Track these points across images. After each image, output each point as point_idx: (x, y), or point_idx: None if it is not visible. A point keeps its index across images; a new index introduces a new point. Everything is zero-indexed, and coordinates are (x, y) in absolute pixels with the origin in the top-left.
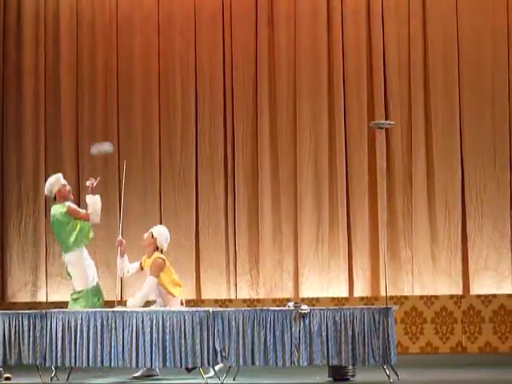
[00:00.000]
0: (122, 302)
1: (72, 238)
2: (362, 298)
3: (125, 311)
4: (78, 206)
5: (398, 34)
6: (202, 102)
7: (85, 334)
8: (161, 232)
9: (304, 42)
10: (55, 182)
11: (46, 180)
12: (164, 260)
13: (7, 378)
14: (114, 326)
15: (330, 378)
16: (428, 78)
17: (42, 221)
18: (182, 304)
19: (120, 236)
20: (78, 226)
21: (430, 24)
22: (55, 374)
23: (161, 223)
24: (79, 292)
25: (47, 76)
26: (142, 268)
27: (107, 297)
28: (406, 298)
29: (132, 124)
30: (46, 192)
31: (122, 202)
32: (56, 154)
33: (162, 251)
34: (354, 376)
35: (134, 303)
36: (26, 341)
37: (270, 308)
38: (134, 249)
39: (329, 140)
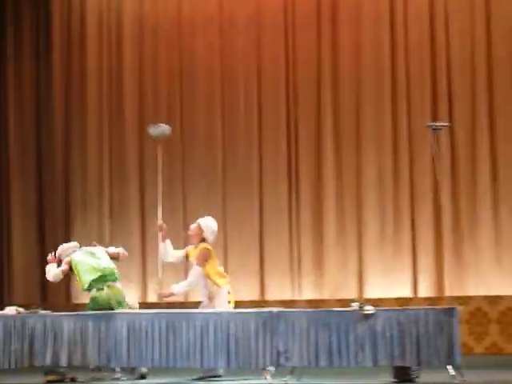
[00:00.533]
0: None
1: None
2: (426, 299)
3: (189, 312)
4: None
5: (462, 32)
6: (265, 102)
7: (149, 335)
8: (208, 225)
9: (367, 43)
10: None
11: (110, 182)
12: (210, 250)
13: (72, 379)
14: (178, 327)
15: (395, 380)
16: (492, 77)
17: (106, 223)
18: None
19: (160, 220)
20: None
21: (494, 22)
22: (120, 375)
23: (224, 224)
24: None
25: (111, 79)
26: (187, 258)
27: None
28: (470, 298)
29: (195, 126)
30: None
31: (159, 188)
32: (120, 157)
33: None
34: (418, 377)
35: (178, 290)
36: (90, 342)
37: (334, 309)
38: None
39: (392, 140)
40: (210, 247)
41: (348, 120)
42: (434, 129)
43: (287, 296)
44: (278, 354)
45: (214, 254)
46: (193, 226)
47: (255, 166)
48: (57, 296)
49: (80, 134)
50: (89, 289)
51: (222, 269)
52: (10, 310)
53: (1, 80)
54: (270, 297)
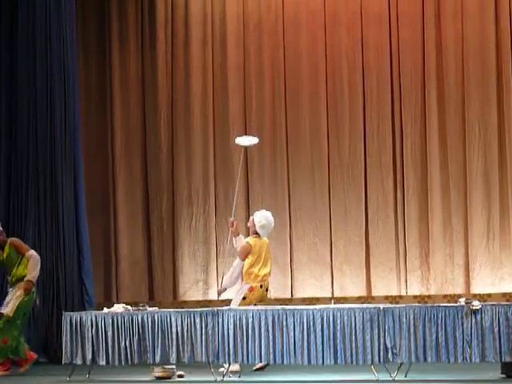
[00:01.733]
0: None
1: None
2: None
3: (296, 308)
4: None
5: None
6: (370, 98)
7: (256, 332)
8: (258, 219)
9: (471, 37)
10: None
11: (215, 179)
12: (251, 246)
13: (180, 376)
14: (284, 323)
15: (503, 375)
16: None
17: (212, 219)
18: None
19: (233, 217)
20: None
21: None
22: (227, 371)
23: (330, 219)
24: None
25: (215, 76)
26: None
27: (276, 293)
28: None
29: (300, 121)
30: None
31: (237, 185)
32: (224, 152)
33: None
34: None
35: (225, 284)
36: (198, 339)
37: (441, 304)
38: (304, 244)
39: (498, 134)
40: (252, 242)
41: (453, 114)
42: None
43: (394, 291)
44: (386, 349)
45: (259, 249)
46: (250, 218)
47: (361, 161)
48: (164, 293)
49: (184, 128)
50: None
51: (263, 268)
52: (119, 308)
53: (107, 75)
54: (376, 293)
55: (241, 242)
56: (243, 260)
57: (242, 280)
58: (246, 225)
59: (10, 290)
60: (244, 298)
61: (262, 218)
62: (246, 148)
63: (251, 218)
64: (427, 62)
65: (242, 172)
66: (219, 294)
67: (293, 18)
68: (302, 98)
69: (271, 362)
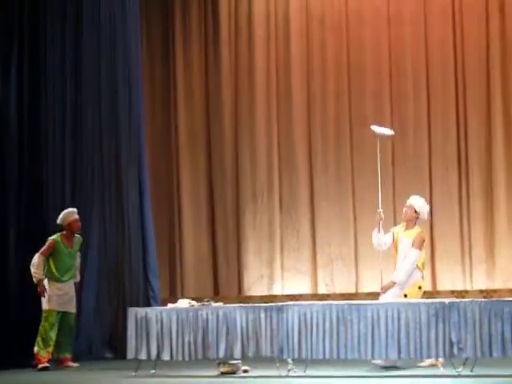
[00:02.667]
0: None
1: None
2: None
3: (359, 303)
4: None
5: None
6: (434, 92)
7: (320, 327)
8: (423, 206)
9: None
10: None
11: (279, 175)
12: (423, 234)
13: (245, 371)
14: (349, 318)
15: None
16: None
17: (276, 214)
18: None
19: (380, 209)
20: None
21: None
22: (292, 366)
23: (394, 212)
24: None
25: (278, 73)
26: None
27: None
28: None
29: (364, 116)
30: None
31: (379, 175)
32: (288, 147)
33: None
34: None
35: (398, 278)
36: (263, 334)
37: (507, 298)
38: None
39: None
40: (422, 230)
41: None
42: None
43: (459, 286)
44: (451, 344)
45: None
46: (406, 209)
47: (425, 154)
48: (228, 288)
49: (249, 124)
50: None
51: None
52: (183, 303)
53: (171, 73)
54: (441, 287)
55: (415, 234)
56: (420, 250)
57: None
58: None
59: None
60: (420, 288)
61: (425, 205)
62: (380, 137)
63: (408, 208)
64: (491, 55)
65: (308, 167)
66: (385, 290)
67: (356, 13)
68: (365, 93)
69: (335, 356)
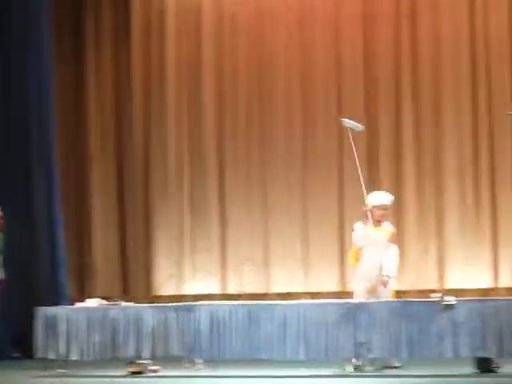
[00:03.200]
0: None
1: None
2: (508, 289)
3: (269, 304)
4: None
5: None
6: (344, 94)
7: (231, 327)
8: (369, 199)
9: (446, 34)
10: None
11: (190, 176)
12: None
13: (154, 371)
14: (259, 318)
15: (476, 370)
16: None
17: (186, 215)
18: None
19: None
20: None
21: None
22: (201, 366)
23: (305, 215)
24: None
25: (190, 70)
26: None
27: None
28: None
29: (275, 117)
30: None
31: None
32: (199, 148)
33: None
34: (500, 368)
35: (393, 272)
36: (172, 333)
37: (415, 299)
38: (279, 240)
39: (472, 127)
40: None
41: (428, 107)
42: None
43: None
44: (360, 345)
45: None
46: (390, 204)
47: (334, 155)
48: (138, 288)
49: (159, 124)
50: None
51: None
52: (92, 302)
53: (80, 67)
54: (350, 288)
55: (390, 231)
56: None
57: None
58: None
59: None
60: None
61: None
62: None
63: (389, 203)
64: (401, 56)
65: (218, 169)
66: (375, 289)
67: (269, 12)
68: (276, 95)
69: (245, 356)
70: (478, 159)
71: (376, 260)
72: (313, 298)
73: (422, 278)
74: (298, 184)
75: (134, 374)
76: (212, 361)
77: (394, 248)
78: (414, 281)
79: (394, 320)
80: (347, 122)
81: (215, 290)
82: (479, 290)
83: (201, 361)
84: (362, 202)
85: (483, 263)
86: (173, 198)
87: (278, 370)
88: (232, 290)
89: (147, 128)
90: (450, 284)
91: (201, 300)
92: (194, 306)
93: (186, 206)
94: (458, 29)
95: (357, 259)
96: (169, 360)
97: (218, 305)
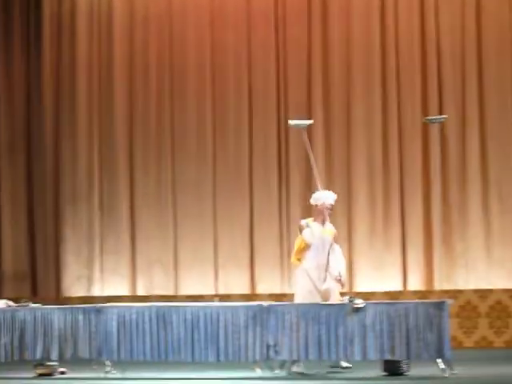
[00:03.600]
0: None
1: None
2: (415, 292)
3: (179, 306)
4: None
5: (452, 25)
6: (256, 96)
7: (140, 328)
8: (316, 197)
9: (357, 36)
10: None
11: (99, 177)
12: None
13: (62, 373)
14: (169, 320)
15: (384, 373)
16: (482, 69)
17: (96, 216)
18: None
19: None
20: None
21: (484, 14)
22: (110, 368)
23: (214, 217)
24: None
25: (101, 72)
26: None
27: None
28: (460, 291)
29: (185, 119)
30: None
31: (315, 170)
32: (109, 149)
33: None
34: (408, 371)
35: (342, 273)
36: (81, 335)
37: (323, 302)
38: (189, 243)
39: (382, 133)
40: None
41: (338, 113)
42: (432, 122)
43: (277, 289)
44: (268, 347)
45: None
46: (333, 202)
47: (245, 158)
48: (47, 290)
49: (70, 126)
50: None
51: None
52: (0, 303)
53: None
54: (260, 290)
55: (333, 231)
56: None
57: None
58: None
59: None
60: None
61: (318, 194)
62: (301, 129)
63: (332, 202)
64: (313, 60)
65: (128, 170)
66: (343, 285)
67: (180, 14)
68: (188, 95)
69: (154, 358)
70: (388, 166)
71: (321, 260)
72: (222, 301)
73: None
74: (208, 187)
75: (42, 376)
76: (121, 363)
77: (338, 248)
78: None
79: (302, 322)
80: (295, 123)
81: (124, 291)
82: (388, 293)
83: (109, 363)
84: (306, 200)
85: (392, 267)
86: (83, 201)
87: (187, 372)
88: (141, 291)
89: (58, 130)
90: (360, 287)
91: (110, 302)
92: (102, 307)
93: (96, 209)
94: (369, 35)
95: (299, 258)
96: (77, 362)
97: (127, 307)
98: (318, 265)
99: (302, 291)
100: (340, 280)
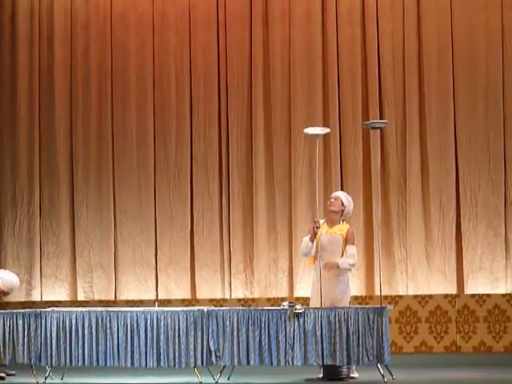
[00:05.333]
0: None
1: None
2: (356, 298)
3: (119, 311)
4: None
5: (393, 32)
6: (197, 101)
7: (80, 334)
8: (350, 200)
9: (298, 41)
10: None
11: (40, 181)
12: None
13: (1, 378)
14: (108, 325)
15: (324, 378)
16: (422, 76)
17: (36, 220)
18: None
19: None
20: None
21: (424, 22)
22: (49, 373)
23: (155, 222)
24: None
25: (41, 76)
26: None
27: (100, 295)
28: (400, 297)
29: (126, 124)
30: None
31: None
32: (50, 153)
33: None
34: (348, 376)
35: (344, 265)
36: (20, 340)
37: (265, 307)
38: (129, 246)
39: (323, 139)
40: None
41: (280, 118)
42: (372, 127)
43: (218, 295)
44: (209, 352)
45: None
46: (333, 201)
47: (186, 164)
48: None
49: (10, 131)
50: None
51: None
52: None
53: None
54: (201, 295)
55: (346, 230)
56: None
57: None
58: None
59: None
60: None
61: (350, 199)
62: (317, 138)
63: (335, 200)
64: (254, 65)
65: (69, 174)
66: (329, 268)
67: (121, 19)
68: (128, 101)
69: (94, 364)
70: (328, 171)
71: (325, 260)
72: (163, 306)
73: (272, 286)
74: (148, 190)
75: None
76: (60, 368)
77: (354, 248)
78: (263, 289)
79: (243, 327)
80: (311, 132)
81: (64, 296)
82: None
83: (49, 368)
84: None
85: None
86: (23, 204)
87: (127, 377)
88: (81, 296)
89: None
90: (300, 292)
91: (50, 306)
92: (42, 312)
93: (36, 210)
94: (311, 40)
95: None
96: (16, 367)
97: (67, 311)
98: (321, 265)
99: (311, 292)
100: (326, 264)
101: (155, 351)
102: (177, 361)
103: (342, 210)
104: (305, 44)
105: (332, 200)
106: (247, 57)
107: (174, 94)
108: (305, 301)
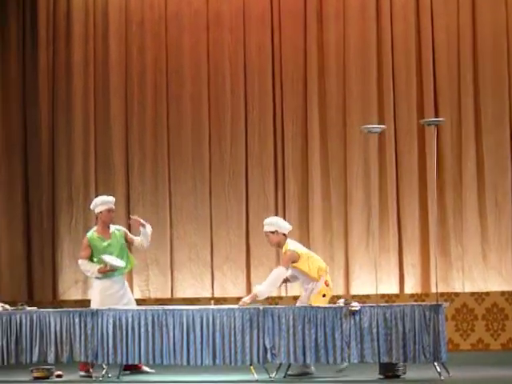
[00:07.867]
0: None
1: None
2: (412, 295)
3: (174, 309)
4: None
5: (447, 28)
6: (252, 99)
7: (136, 332)
8: (272, 220)
9: (353, 38)
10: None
11: (96, 179)
12: (295, 252)
13: (59, 376)
14: (164, 323)
15: (381, 375)
16: (477, 72)
17: (92, 219)
18: (327, 285)
19: None
20: None
21: (480, 17)
22: (106, 371)
23: (211, 220)
24: None
25: (96, 74)
26: None
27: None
28: (456, 294)
29: (182, 122)
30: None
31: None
32: (105, 151)
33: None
34: (404, 373)
35: (260, 290)
36: (77, 338)
37: (321, 305)
38: (185, 245)
39: (379, 137)
40: (292, 248)
41: (335, 116)
42: (428, 124)
43: (274, 292)
44: (265, 350)
45: (304, 250)
46: (267, 238)
47: (242, 162)
48: (43, 293)
49: (66, 129)
50: None
51: (317, 260)
52: None
53: None
54: None
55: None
56: (287, 268)
57: (304, 281)
58: None
59: None
60: (324, 295)
61: (278, 220)
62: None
63: (267, 233)
64: (309, 62)
65: (124, 170)
66: (246, 304)
67: (175, 17)
68: (183, 99)
69: (150, 361)
70: (384, 169)
71: None
72: (218, 304)
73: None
74: (204, 188)
75: (39, 379)
76: (117, 366)
77: (278, 270)
78: None
79: (299, 325)
80: (368, 128)
81: None
82: (384, 295)
83: (105, 366)
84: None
85: (388, 269)
86: (79, 202)
87: (183, 375)
88: (137, 294)
89: (54, 129)
90: (356, 290)
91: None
92: (98, 310)
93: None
94: (365, 36)
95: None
96: (74, 365)
97: (123, 310)
98: None
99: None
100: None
101: (211, 349)
102: (232, 358)
103: (279, 240)
104: (359, 41)
105: (266, 238)
106: (301, 55)
107: (228, 93)
108: (360, 298)
